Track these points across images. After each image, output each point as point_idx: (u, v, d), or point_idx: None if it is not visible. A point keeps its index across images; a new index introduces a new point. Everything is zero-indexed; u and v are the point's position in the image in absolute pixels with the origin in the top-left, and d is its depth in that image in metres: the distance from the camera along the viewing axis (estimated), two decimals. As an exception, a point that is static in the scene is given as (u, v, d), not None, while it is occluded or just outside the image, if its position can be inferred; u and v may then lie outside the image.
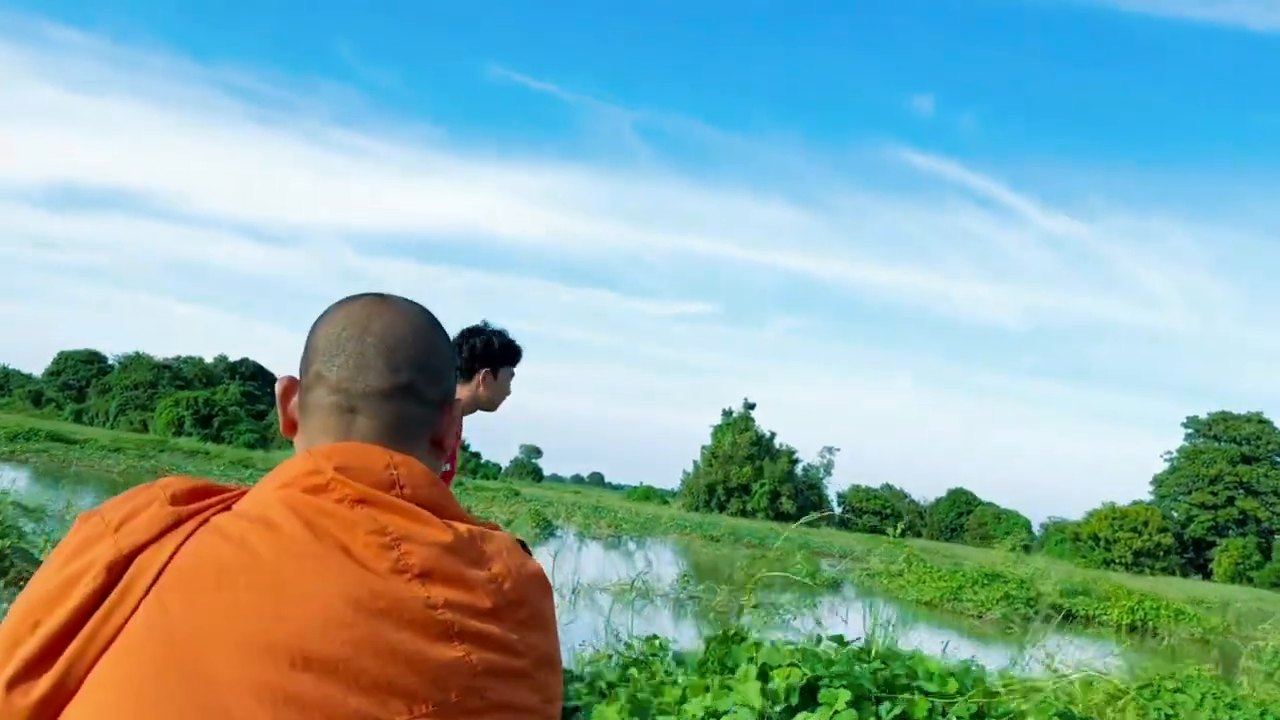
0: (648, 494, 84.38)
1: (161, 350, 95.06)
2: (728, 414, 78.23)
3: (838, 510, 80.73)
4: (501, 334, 3.46)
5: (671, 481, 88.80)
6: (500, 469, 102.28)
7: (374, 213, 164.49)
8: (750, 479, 73.84)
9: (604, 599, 14.19)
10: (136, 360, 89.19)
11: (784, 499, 72.69)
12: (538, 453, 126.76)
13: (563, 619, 12.07)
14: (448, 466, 3.12)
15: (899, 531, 24.85)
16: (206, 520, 0.97)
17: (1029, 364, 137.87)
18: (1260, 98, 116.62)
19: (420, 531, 0.96)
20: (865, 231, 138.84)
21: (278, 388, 1.11)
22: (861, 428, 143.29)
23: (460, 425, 3.13)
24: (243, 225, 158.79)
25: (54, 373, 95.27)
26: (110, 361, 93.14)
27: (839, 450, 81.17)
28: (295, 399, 1.10)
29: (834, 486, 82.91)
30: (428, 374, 1.08)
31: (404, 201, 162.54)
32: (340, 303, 1.11)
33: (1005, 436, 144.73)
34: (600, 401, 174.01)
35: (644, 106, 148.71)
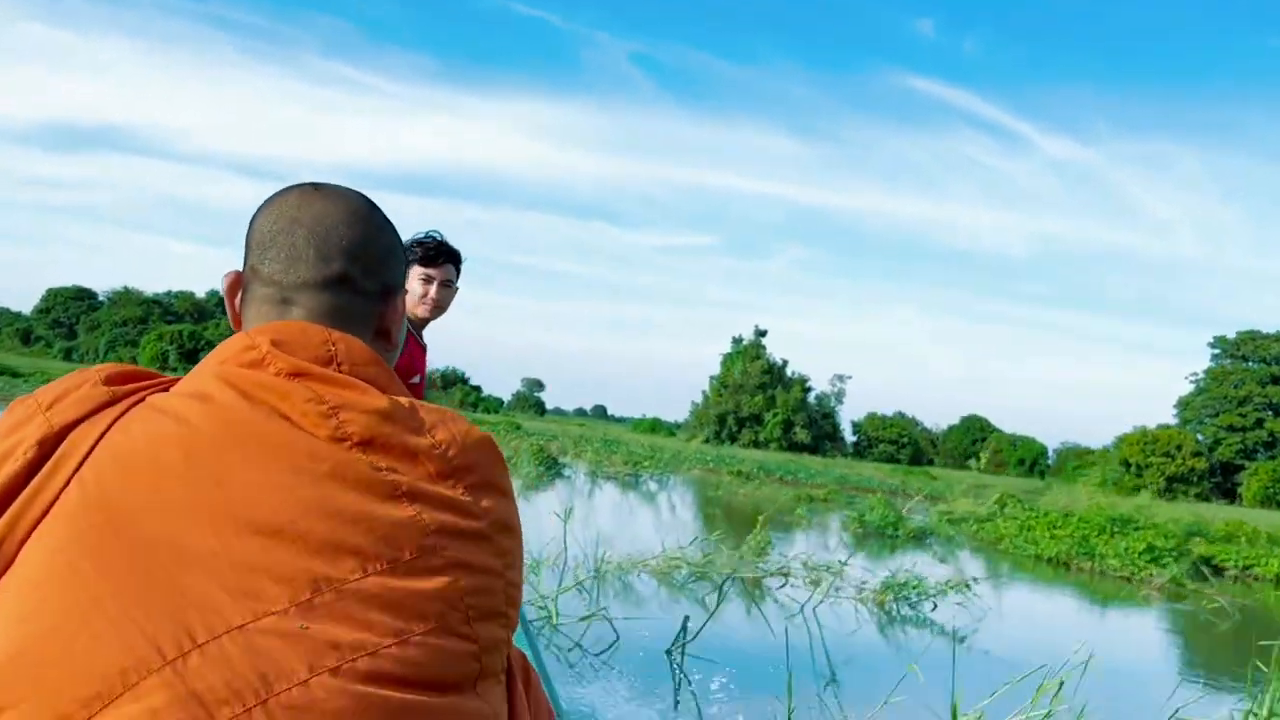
0: (654, 426, 79.59)
1: (157, 288, 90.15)
2: (737, 342, 73.06)
3: (852, 439, 75.98)
4: (423, 238, 2.96)
5: (677, 414, 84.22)
6: (502, 403, 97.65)
7: (369, 148, 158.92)
8: (762, 408, 68.92)
9: (647, 586, 9.06)
10: (125, 295, 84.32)
11: (798, 429, 67.90)
12: (540, 386, 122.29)
13: (597, 641, 6.59)
14: (417, 379, 3.07)
15: (983, 463, 19.70)
16: (142, 400, 0.93)
17: (1035, 292, 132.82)
18: (1270, 21, 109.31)
19: (357, 400, 0.91)
20: (868, 161, 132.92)
21: (224, 283, 1.04)
22: (867, 358, 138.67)
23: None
24: (238, 162, 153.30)
25: (43, 310, 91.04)
26: (100, 298, 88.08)
27: (850, 378, 75.98)
28: (240, 294, 1.04)
29: (846, 415, 78.06)
30: (363, 263, 1.02)
31: (399, 136, 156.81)
32: (275, 195, 1.04)
33: (1012, 364, 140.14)
34: (602, 335, 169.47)
35: (640, 36, 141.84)
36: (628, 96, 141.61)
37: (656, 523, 15.43)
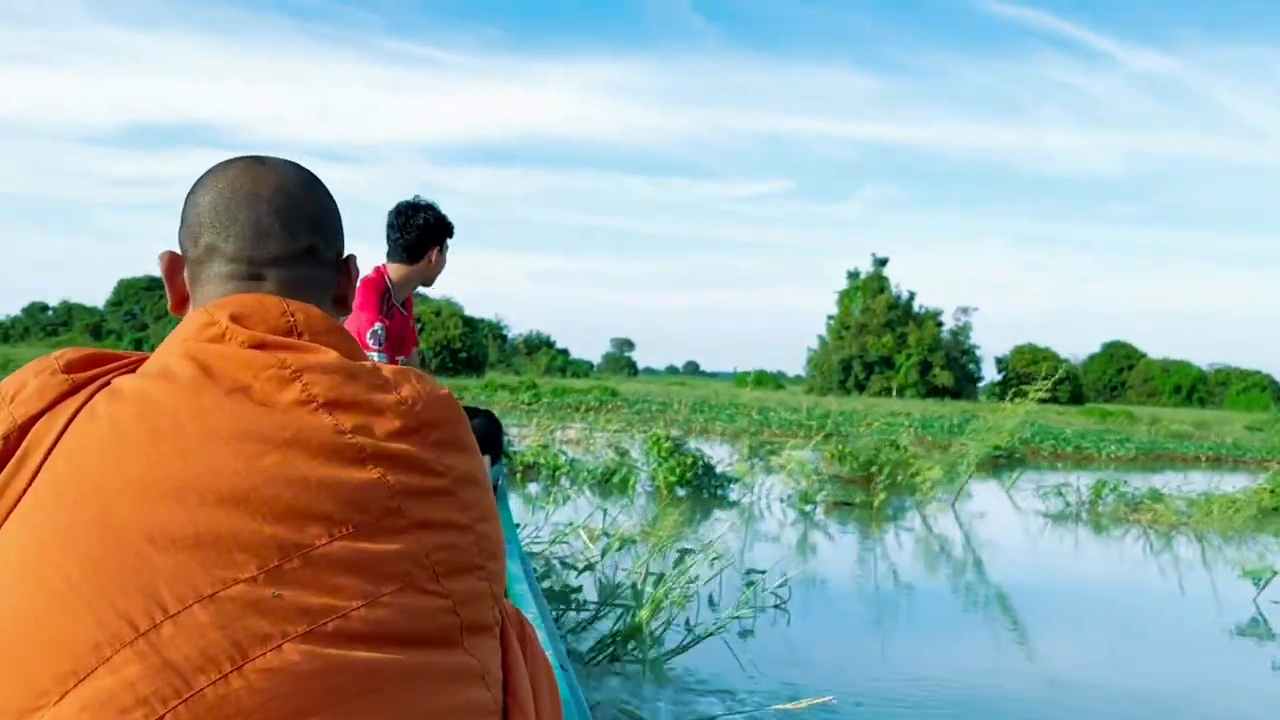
0: (761, 379, 66.29)
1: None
2: (853, 276, 59.17)
3: (997, 377, 61.72)
4: (436, 208, 3.26)
5: (773, 364, 70.86)
6: (591, 366, 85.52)
7: (442, 122, 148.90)
8: (892, 349, 55.19)
9: None
10: (194, 283, 74.66)
11: (936, 370, 54.06)
12: (630, 345, 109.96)
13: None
14: (402, 358, 3.44)
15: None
16: (106, 384, 0.88)
17: (1131, 212, 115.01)
18: None
19: (319, 362, 0.87)
20: (944, 91, 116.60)
21: (162, 264, 0.98)
22: (963, 293, 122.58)
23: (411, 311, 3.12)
24: (314, 147, 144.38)
25: (115, 303, 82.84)
26: (171, 287, 79.03)
27: (976, 310, 61.55)
28: (184, 273, 0.98)
29: (982, 352, 63.55)
30: (324, 234, 0.99)
31: (470, 108, 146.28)
32: (215, 170, 0.98)
33: (1121, 288, 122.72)
34: (687, 290, 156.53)
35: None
36: (692, 46, 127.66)
37: None
